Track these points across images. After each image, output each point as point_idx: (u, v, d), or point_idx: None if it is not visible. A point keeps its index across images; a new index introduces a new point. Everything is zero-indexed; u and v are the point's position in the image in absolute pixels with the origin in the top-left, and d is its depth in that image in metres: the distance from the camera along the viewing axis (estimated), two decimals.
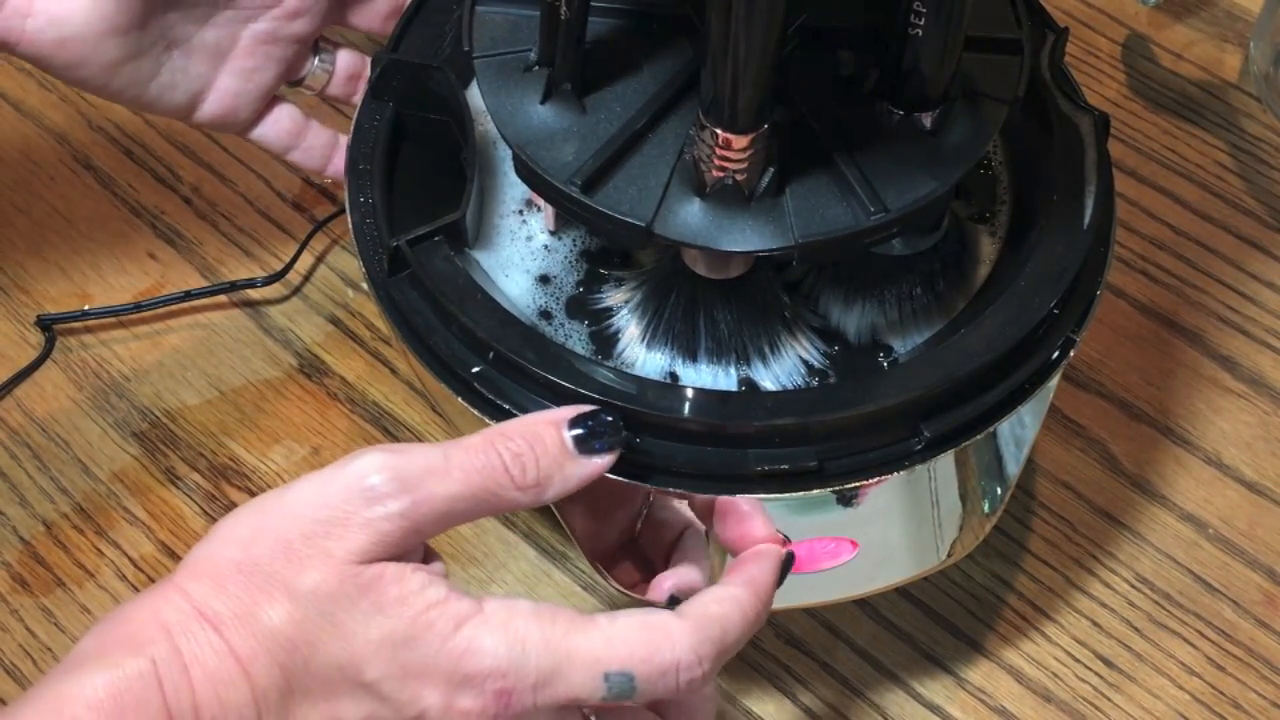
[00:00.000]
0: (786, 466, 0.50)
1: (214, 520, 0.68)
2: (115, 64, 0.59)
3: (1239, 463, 0.70)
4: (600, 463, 0.47)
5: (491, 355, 0.52)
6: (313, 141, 0.69)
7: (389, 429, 0.71)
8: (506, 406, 0.51)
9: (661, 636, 0.45)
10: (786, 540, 0.51)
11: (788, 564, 0.50)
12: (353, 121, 0.59)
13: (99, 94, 0.61)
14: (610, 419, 0.48)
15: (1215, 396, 0.72)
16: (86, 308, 0.74)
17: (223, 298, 0.75)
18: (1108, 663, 0.65)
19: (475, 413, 0.52)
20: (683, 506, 0.53)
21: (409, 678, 0.44)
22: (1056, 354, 0.54)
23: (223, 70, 0.64)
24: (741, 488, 0.50)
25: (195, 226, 0.78)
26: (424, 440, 0.71)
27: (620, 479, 0.50)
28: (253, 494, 0.69)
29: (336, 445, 0.71)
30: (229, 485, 0.69)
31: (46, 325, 0.74)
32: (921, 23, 0.49)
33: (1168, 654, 0.65)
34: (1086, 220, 0.56)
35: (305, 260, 0.77)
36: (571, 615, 0.45)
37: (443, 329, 0.53)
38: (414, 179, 0.58)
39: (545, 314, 0.57)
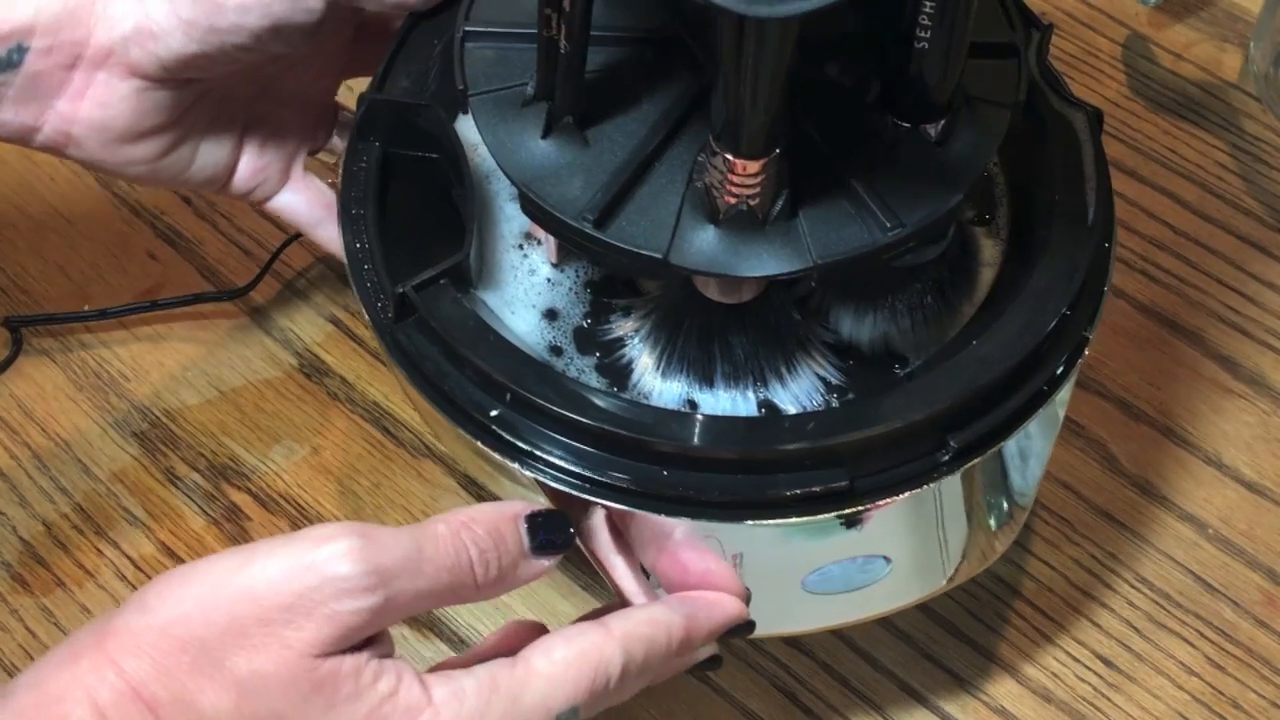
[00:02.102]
0: (818, 489, 0.50)
1: (214, 520, 0.68)
2: (158, 157, 0.60)
3: (1239, 463, 0.70)
4: (547, 565, 0.47)
5: (509, 397, 0.51)
6: None
7: (389, 429, 0.71)
8: (527, 448, 0.50)
9: (597, 665, 0.45)
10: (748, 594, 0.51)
11: (742, 629, 0.50)
12: (339, 164, 0.58)
13: (145, 184, 0.63)
14: (563, 522, 0.47)
15: (1215, 396, 0.72)
16: (53, 312, 0.74)
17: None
18: (1108, 663, 0.65)
19: (497, 456, 0.51)
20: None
21: None
22: (1071, 354, 0.53)
23: (245, 142, 0.64)
24: (773, 513, 0.50)
25: (195, 226, 0.78)
26: (425, 440, 0.71)
27: (652, 515, 0.49)
28: (253, 494, 0.69)
29: (336, 445, 0.71)
30: (229, 485, 0.69)
31: (14, 327, 0.74)
32: (927, 35, 0.49)
33: (1167, 654, 0.65)
34: (1090, 217, 0.55)
35: (306, 259, 0.77)
36: (509, 671, 0.44)
37: (455, 374, 0.52)
38: (402, 218, 0.57)
39: (555, 349, 0.56)
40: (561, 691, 0.44)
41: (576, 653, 0.45)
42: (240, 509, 0.69)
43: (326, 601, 0.41)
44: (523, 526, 0.46)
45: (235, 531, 0.68)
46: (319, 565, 0.41)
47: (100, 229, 0.78)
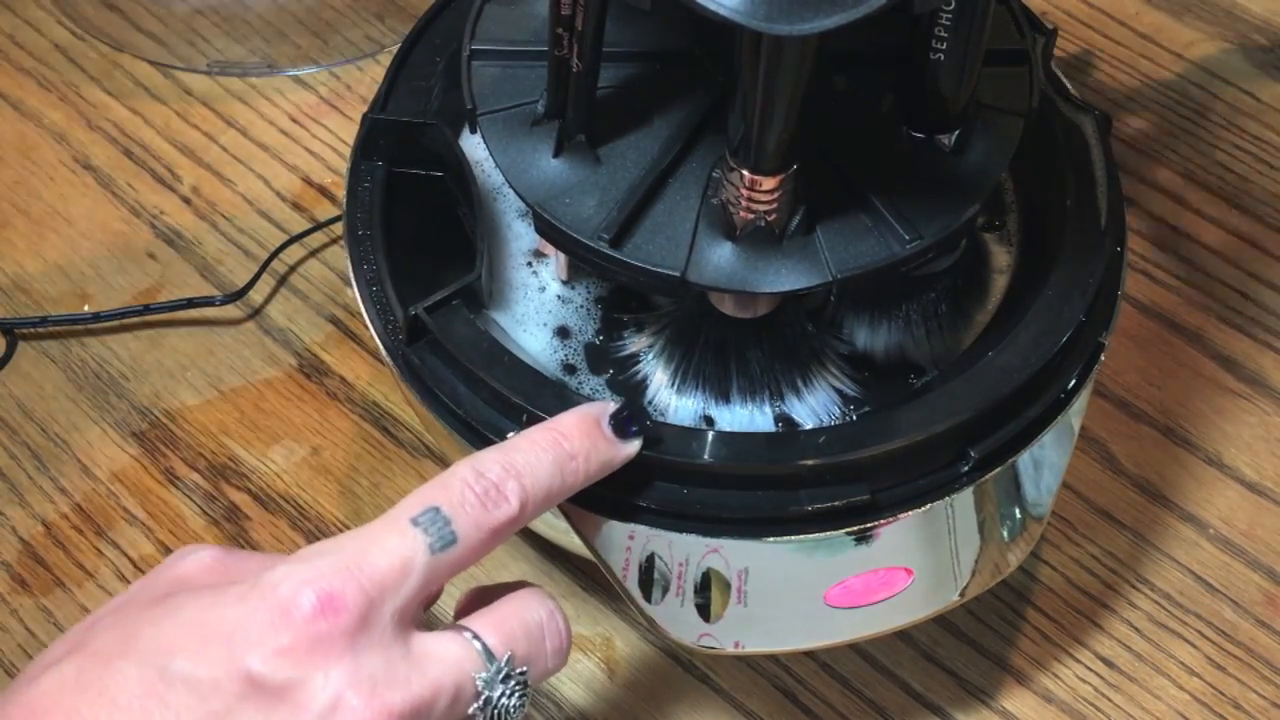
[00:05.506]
0: (839, 503, 0.50)
1: (214, 520, 0.68)
2: None
3: (1239, 463, 0.70)
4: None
5: (525, 418, 0.50)
6: None
7: (389, 429, 0.71)
8: None
9: (439, 479, 0.45)
10: None
11: (613, 420, 0.48)
12: (344, 186, 0.57)
13: None
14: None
15: (1216, 396, 0.72)
16: (48, 314, 0.74)
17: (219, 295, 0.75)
18: (1108, 663, 0.65)
19: None
20: None
21: (212, 642, 0.41)
22: (1088, 361, 0.53)
23: None
24: (795, 529, 0.50)
25: (195, 226, 0.78)
26: (425, 440, 0.71)
27: (674, 534, 0.49)
28: (252, 494, 0.69)
29: (337, 445, 0.71)
30: (229, 485, 0.69)
31: (8, 329, 0.73)
32: (944, 46, 0.49)
33: (1168, 654, 0.65)
34: (1103, 222, 0.55)
35: (306, 260, 0.77)
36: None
37: (470, 395, 0.52)
38: (409, 237, 0.57)
39: (569, 367, 0.56)
40: (408, 501, 0.44)
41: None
42: (240, 509, 0.69)
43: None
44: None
45: (235, 531, 0.68)
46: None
47: (100, 229, 0.78)
